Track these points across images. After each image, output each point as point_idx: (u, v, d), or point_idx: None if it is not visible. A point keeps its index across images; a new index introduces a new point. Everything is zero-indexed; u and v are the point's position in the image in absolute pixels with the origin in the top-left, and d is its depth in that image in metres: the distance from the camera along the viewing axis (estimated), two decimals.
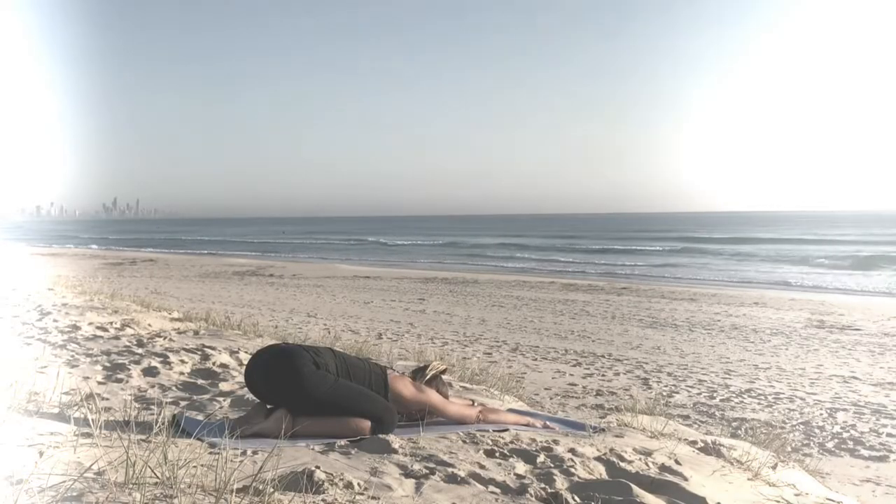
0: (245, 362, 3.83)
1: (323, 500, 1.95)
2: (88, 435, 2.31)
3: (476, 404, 3.43)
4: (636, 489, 2.22)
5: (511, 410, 3.60)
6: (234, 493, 1.79)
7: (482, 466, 2.44)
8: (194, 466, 1.98)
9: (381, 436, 2.70)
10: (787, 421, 5.98)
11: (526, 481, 2.29)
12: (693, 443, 3.12)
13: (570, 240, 49.32)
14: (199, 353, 4.63)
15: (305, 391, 2.81)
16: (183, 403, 3.47)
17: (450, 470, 2.33)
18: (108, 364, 4.14)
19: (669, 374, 7.88)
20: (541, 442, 2.76)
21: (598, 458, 2.59)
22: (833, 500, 2.74)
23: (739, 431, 5.33)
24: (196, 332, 5.69)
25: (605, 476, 2.44)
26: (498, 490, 2.21)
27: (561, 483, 2.30)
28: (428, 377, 3.20)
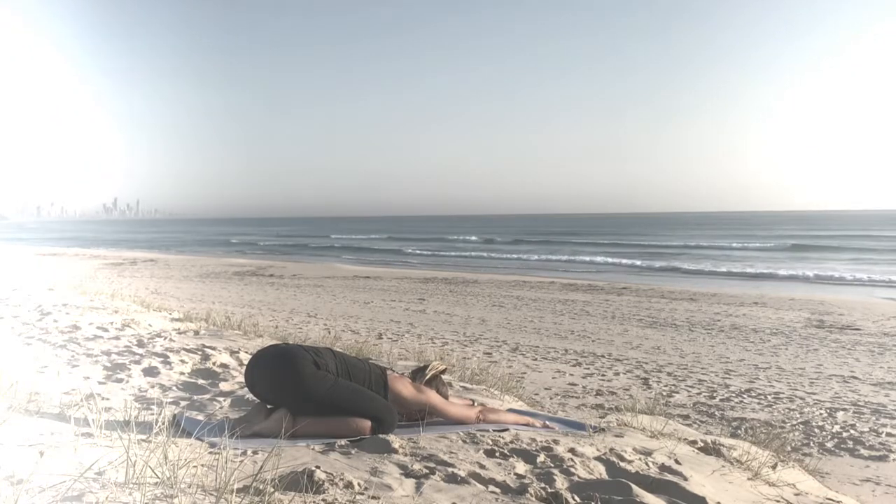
0: (245, 362, 3.84)
1: (323, 499, 1.95)
2: (89, 435, 2.32)
3: (476, 404, 3.44)
4: (636, 489, 2.23)
5: (511, 410, 3.61)
6: (234, 493, 1.80)
7: (482, 466, 2.44)
8: (194, 466, 1.99)
9: (381, 436, 2.71)
10: (786, 421, 5.98)
11: (526, 481, 2.29)
12: (693, 443, 3.13)
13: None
14: (200, 353, 4.63)
15: (305, 391, 2.82)
16: (183, 403, 3.48)
17: (450, 470, 2.33)
18: (108, 364, 4.14)
19: (669, 374, 7.88)
20: (541, 442, 2.76)
21: (598, 458, 2.59)
22: (833, 500, 2.74)
23: (739, 431, 5.33)
24: (196, 332, 5.69)
25: (605, 476, 2.44)
26: (498, 490, 2.21)
27: (561, 483, 2.31)
28: (428, 377, 3.20)
